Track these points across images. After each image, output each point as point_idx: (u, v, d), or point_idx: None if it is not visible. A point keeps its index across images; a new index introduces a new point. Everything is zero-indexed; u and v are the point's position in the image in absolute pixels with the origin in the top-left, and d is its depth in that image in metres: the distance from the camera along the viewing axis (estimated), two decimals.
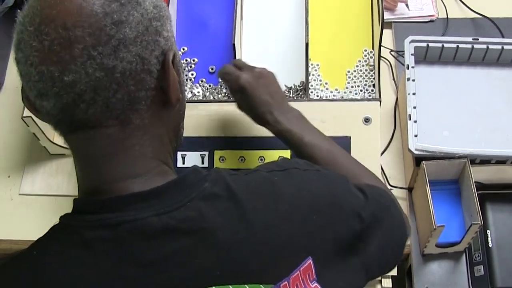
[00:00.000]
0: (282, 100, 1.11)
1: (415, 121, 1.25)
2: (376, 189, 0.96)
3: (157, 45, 0.74)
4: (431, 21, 1.56)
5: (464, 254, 1.28)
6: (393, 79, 1.50)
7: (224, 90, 1.33)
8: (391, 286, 1.21)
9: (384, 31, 1.28)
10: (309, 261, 0.77)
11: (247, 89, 1.09)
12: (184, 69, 1.36)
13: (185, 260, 0.71)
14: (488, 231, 1.27)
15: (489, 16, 1.54)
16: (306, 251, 0.78)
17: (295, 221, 0.78)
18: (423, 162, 1.22)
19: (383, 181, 1.35)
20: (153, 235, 0.71)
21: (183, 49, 1.38)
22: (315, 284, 0.78)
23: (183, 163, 1.23)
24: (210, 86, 1.35)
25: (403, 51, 1.37)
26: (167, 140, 0.81)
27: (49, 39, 0.68)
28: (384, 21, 1.26)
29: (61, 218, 0.75)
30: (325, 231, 0.81)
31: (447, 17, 1.56)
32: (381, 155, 1.37)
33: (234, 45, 1.25)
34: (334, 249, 0.82)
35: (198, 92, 1.34)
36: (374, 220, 0.88)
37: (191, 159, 1.24)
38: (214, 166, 1.23)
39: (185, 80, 0.82)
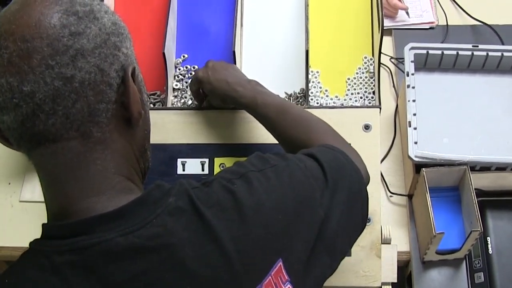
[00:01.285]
0: (237, 74, 1.18)
1: (415, 128, 1.25)
2: (328, 150, 0.96)
3: (116, 59, 0.76)
4: (431, 28, 1.57)
5: (464, 261, 1.28)
6: (393, 86, 1.50)
7: None
8: None
9: (384, 38, 1.29)
10: (280, 263, 0.78)
11: (203, 78, 1.17)
12: (184, 76, 1.36)
13: (155, 278, 0.72)
14: (488, 238, 1.27)
15: (489, 23, 1.55)
16: (275, 254, 0.79)
17: (260, 226, 0.78)
18: (423, 169, 1.22)
19: (383, 188, 1.35)
20: (120, 256, 0.71)
21: (183, 56, 1.38)
22: (288, 285, 0.79)
23: (183, 170, 1.23)
24: None
25: (403, 58, 1.37)
26: (132, 158, 0.81)
27: (8, 52, 0.70)
28: (384, 28, 1.26)
29: (31, 243, 0.76)
30: (292, 229, 0.81)
31: (447, 24, 1.57)
32: (381, 162, 1.38)
33: (234, 52, 1.25)
34: (303, 243, 0.82)
35: None
36: (332, 195, 0.88)
37: (191, 166, 1.24)
38: (215, 173, 1.22)
39: (147, 99, 0.84)
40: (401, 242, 1.32)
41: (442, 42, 1.53)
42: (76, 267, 0.71)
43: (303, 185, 0.85)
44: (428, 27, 1.57)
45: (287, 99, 1.13)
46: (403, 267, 1.35)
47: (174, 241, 0.73)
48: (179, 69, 1.37)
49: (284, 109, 1.10)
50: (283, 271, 0.78)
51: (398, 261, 1.23)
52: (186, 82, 1.36)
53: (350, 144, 1.08)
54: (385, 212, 1.34)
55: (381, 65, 1.37)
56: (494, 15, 1.56)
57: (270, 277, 0.77)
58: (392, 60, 1.51)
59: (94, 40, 0.73)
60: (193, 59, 1.39)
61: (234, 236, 0.76)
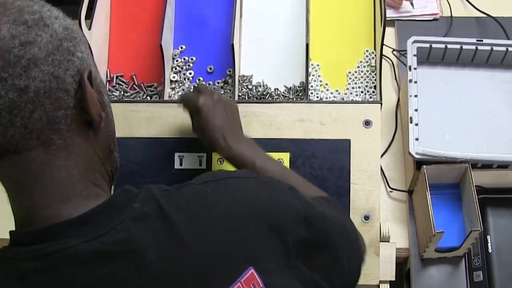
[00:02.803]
0: (237, 127, 1.12)
1: (416, 124, 1.23)
2: (332, 207, 0.95)
3: (71, 64, 0.74)
4: (435, 19, 1.54)
5: (463, 259, 1.27)
6: (395, 78, 1.48)
7: (222, 92, 1.31)
8: None
9: (387, 29, 1.26)
10: (251, 270, 0.76)
11: (203, 111, 1.09)
12: (182, 68, 1.34)
13: (119, 283, 0.71)
14: (488, 236, 1.25)
15: (494, 15, 1.52)
16: (246, 261, 0.76)
17: (229, 230, 0.76)
18: (424, 166, 1.21)
19: (382, 184, 1.34)
20: (84, 262, 0.71)
21: (181, 48, 1.36)
22: None
23: (181, 165, 1.21)
24: (208, 85, 1.33)
25: (406, 50, 1.35)
26: (97, 162, 0.80)
27: None
28: (387, 19, 1.24)
29: None
30: (268, 238, 0.79)
31: (451, 16, 1.54)
32: (382, 156, 1.36)
33: (232, 45, 1.23)
34: (281, 256, 0.80)
35: None
36: (326, 230, 0.87)
37: (189, 160, 1.22)
38: (213, 168, 1.21)
39: (108, 101, 0.83)
40: (400, 238, 1.31)
41: (446, 34, 1.50)
42: (40, 273, 0.71)
43: (285, 200, 0.84)
44: (432, 18, 1.54)
45: (284, 167, 1.10)
46: (402, 264, 1.34)
47: (138, 246, 0.72)
48: (177, 61, 1.35)
49: (284, 178, 1.02)
50: (257, 278, 0.76)
51: (396, 257, 1.22)
52: (184, 74, 1.33)
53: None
54: (384, 208, 1.33)
55: (383, 57, 1.34)
56: (500, 7, 1.53)
57: (239, 284, 0.75)
58: (394, 52, 1.49)
59: (46, 48, 0.72)
60: (190, 51, 1.37)
61: (201, 238, 0.74)
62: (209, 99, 1.10)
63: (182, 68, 1.34)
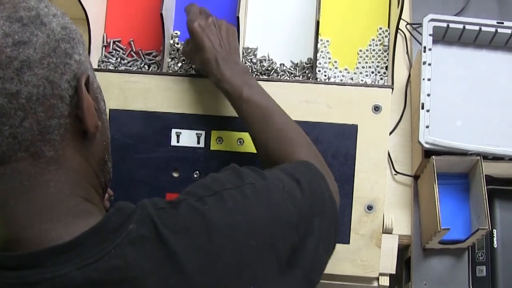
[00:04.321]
0: (231, 52, 1.09)
1: (428, 111, 1.17)
2: (308, 171, 0.90)
3: (68, 68, 0.68)
4: None
5: (467, 251, 1.23)
6: (407, 53, 1.40)
7: None
8: (388, 284, 1.15)
9: None
10: None
11: (196, 33, 1.07)
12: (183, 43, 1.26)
13: None
14: (494, 230, 1.21)
15: None
16: (247, 283, 0.72)
17: (231, 254, 0.71)
18: (433, 157, 1.15)
19: (388, 172, 1.28)
20: None
21: (176, 33, 1.28)
22: None
23: (178, 142, 1.16)
24: None
25: (420, 24, 1.27)
26: (90, 174, 0.74)
27: None
28: None
29: None
30: (265, 253, 0.74)
31: None
32: (389, 134, 1.29)
33: (238, 18, 1.15)
34: (276, 268, 0.75)
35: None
36: (309, 220, 0.82)
37: (186, 138, 1.16)
38: (211, 148, 1.15)
39: (105, 107, 0.76)
40: (402, 225, 1.27)
41: (463, 9, 1.41)
42: None
43: (281, 208, 0.78)
44: None
45: (273, 100, 1.03)
46: (402, 250, 1.30)
47: (135, 274, 0.66)
48: (177, 44, 1.27)
49: (268, 113, 1.00)
50: None
51: (398, 244, 1.18)
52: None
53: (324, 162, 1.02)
54: (388, 191, 1.28)
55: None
56: None
57: None
58: (408, 26, 1.40)
59: (41, 49, 0.66)
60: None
61: (202, 265, 0.69)
62: (204, 21, 1.08)
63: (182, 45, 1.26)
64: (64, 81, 0.68)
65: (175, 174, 1.16)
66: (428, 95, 1.18)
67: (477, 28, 1.24)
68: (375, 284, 1.16)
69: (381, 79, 1.23)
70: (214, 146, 1.16)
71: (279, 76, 1.23)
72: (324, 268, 0.87)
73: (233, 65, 1.06)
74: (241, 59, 1.22)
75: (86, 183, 0.73)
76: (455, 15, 1.39)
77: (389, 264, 1.17)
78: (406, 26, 1.40)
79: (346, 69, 1.24)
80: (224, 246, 0.71)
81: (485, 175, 1.16)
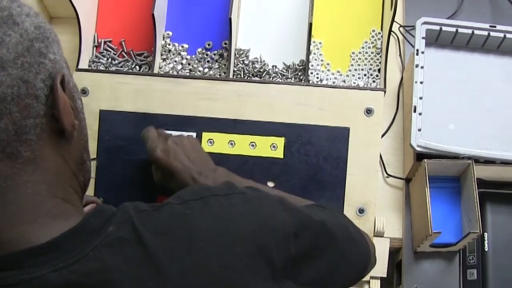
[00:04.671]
0: (204, 162, 1.06)
1: (420, 114, 1.16)
2: (327, 213, 0.89)
3: (43, 68, 0.67)
4: None
5: (458, 255, 1.22)
6: (400, 55, 1.40)
7: (216, 66, 1.23)
8: (379, 287, 1.15)
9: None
10: None
11: (161, 160, 1.03)
12: (175, 45, 1.25)
13: None
14: (485, 233, 1.20)
15: None
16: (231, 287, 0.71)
17: (215, 258, 0.69)
18: (425, 160, 1.15)
19: (380, 175, 1.28)
20: None
21: (168, 34, 1.28)
22: None
23: None
24: (207, 54, 1.25)
25: (413, 26, 1.27)
26: (69, 175, 0.73)
27: None
28: None
29: None
30: (254, 261, 0.72)
31: None
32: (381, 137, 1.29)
33: (230, 19, 1.14)
34: (268, 277, 0.74)
35: (189, 64, 1.24)
36: (317, 241, 0.81)
37: None
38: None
39: (82, 106, 0.75)
40: (393, 228, 1.26)
41: (456, 12, 1.41)
42: None
43: (272, 217, 0.76)
44: None
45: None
46: (394, 253, 1.29)
47: (112, 277, 0.65)
48: (169, 45, 1.26)
49: None
50: None
51: (389, 247, 1.18)
52: (175, 47, 1.25)
53: None
54: (380, 194, 1.27)
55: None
56: None
57: None
58: (400, 29, 1.40)
59: (15, 49, 0.64)
60: (187, 26, 1.27)
61: (182, 269, 0.67)
62: (164, 145, 1.05)
63: (175, 46, 1.26)
64: (39, 80, 0.67)
65: None
66: (421, 98, 1.17)
67: (469, 31, 1.24)
68: (366, 287, 1.16)
69: (374, 81, 1.22)
70: (205, 148, 1.15)
71: (271, 78, 1.22)
72: None
73: (211, 173, 1.03)
74: (232, 61, 1.22)
75: (65, 184, 0.72)
76: (448, 18, 1.39)
77: (381, 268, 1.16)
78: (399, 29, 1.40)
79: (338, 72, 1.24)
80: (205, 250, 0.69)
81: (476, 178, 1.16)
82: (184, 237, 0.69)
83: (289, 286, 0.77)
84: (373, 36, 1.25)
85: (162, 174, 1.06)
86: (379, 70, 1.23)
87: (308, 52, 1.20)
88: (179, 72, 1.22)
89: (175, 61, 1.23)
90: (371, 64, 1.24)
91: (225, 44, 1.23)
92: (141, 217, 0.69)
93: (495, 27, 1.23)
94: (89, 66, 1.24)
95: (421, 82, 1.19)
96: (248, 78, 1.22)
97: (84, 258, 0.65)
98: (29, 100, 0.65)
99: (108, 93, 1.16)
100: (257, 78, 1.22)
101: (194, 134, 1.15)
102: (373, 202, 1.13)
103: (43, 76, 0.67)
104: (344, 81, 1.23)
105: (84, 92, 1.16)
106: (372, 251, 0.95)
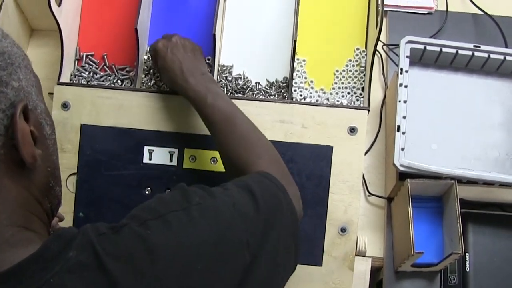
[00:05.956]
0: (197, 64, 1.10)
1: (403, 133, 1.16)
2: (267, 182, 0.87)
3: (3, 97, 0.65)
4: (429, 13, 1.45)
5: (439, 275, 1.22)
6: (383, 73, 1.40)
7: None
8: None
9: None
10: None
11: (160, 51, 1.11)
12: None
13: None
14: (467, 254, 1.20)
15: (491, 13, 1.43)
16: None
17: (175, 278, 0.68)
18: (408, 180, 1.14)
19: (362, 195, 1.27)
20: None
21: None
22: None
23: (150, 159, 1.14)
24: None
25: (396, 45, 1.27)
26: (31, 203, 0.71)
27: None
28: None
29: None
30: (214, 276, 0.71)
31: (447, 10, 1.45)
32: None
33: (214, 35, 1.13)
34: (230, 284, 0.73)
35: None
36: (263, 237, 0.79)
37: (159, 155, 1.14)
38: (184, 166, 1.13)
39: (50, 132, 0.73)
40: (375, 247, 1.25)
41: (439, 30, 1.41)
42: None
43: (230, 227, 0.75)
44: (426, 12, 1.45)
45: (237, 108, 1.04)
46: (374, 272, 1.28)
47: None
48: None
49: (232, 119, 1.00)
50: None
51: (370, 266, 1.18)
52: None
53: (288, 173, 1.00)
54: (361, 213, 1.27)
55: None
56: (498, 6, 1.44)
57: None
58: (384, 47, 1.40)
59: None
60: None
61: None
62: (166, 40, 1.12)
63: None
64: None
65: (147, 192, 1.14)
66: (404, 117, 1.17)
67: (454, 51, 1.24)
68: None
69: (357, 100, 1.22)
70: (187, 164, 1.14)
71: (254, 95, 1.22)
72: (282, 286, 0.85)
73: (198, 74, 1.07)
74: (215, 76, 1.21)
75: (26, 212, 0.70)
76: (431, 36, 1.39)
77: (361, 287, 1.15)
78: (382, 47, 1.40)
79: (322, 89, 1.23)
80: (167, 271, 0.68)
81: (459, 198, 1.15)
82: (144, 259, 0.67)
83: None
84: (357, 55, 1.24)
85: (159, 66, 1.12)
86: (362, 88, 1.23)
87: (292, 69, 1.19)
88: (162, 87, 1.20)
89: (158, 76, 1.21)
90: (354, 83, 1.23)
91: (208, 60, 1.22)
92: (101, 241, 0.68)
93: (479, 47, 1.23)
94: (70, 80, 1.22)
95: (405, 101, 1.18)
96: (231, 94, 1.21)
97: (45, 285, 0.63)
98: None
99: (89, 107, 1.15)
100: (240, 95, 1.21)
101: (176, 151, 1.14)
102: (355, 222, 1.13)
103: (3, 106, 0.65)
104: (328, 99, 1.22)
105: (65, 106, 1.15)
106: (299, 210, 0.94)
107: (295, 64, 1.24)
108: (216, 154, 1.13)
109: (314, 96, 1.23)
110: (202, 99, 1.02)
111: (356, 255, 1.13)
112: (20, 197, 0.69)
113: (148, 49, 1.14)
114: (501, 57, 1.23)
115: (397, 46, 1.26)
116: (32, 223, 0.71)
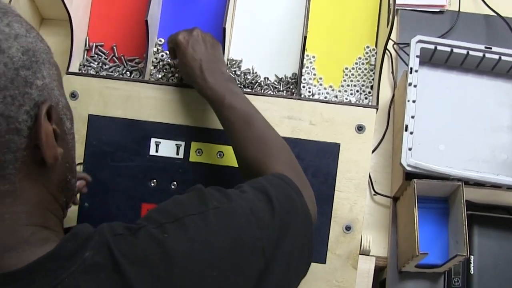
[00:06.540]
0: (217, 62, 1.08)
1: (411, 133, 1.15)
2: (282, 184, 0.87)
3: (27, 98, 0.64)
4: (441, 11, 1.44)
5: (443, 276, 1.21)
6: (392, 72, 1.39)
7: None
8: None
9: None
10: None
11: (181, 44, 1.08)
12: (167, 52, 1.23)
13: None
14: (471, 256, 1.20)
15: (504, 15, 1.42)
16: None
17: (191, 284, 0.68)
18: (415, 180, 1.14)
19: (368, 194, 1.27)
20: None
21: (160, 41, 1.26)
22: None
23: (157, 152, 1.13)
24: None
25: (406, 44, 1.26)
26: (49, 200, 0.71)
27: None
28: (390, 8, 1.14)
29: None
30: (229, 283, 0.71)
31: (459, 10, 1.44)
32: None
33: (224, 29, 1.13)
34: None
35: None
36: (278, 242, 0.78)
37: (166, 148, 1.14)
38: (190, 159, 1.13)
39: (70, 126, 0.72)
40: (379, 246, 1.25)
41: (450, 30, 1.40)
42: None
43: (246, 233, 0.75)
44: (438, 10, 1.44)
45: (255, 108, 1.03)
46: (378, 271, 1.28)
47: None
48: (161, 41, 1.25)
49: (249, 120, 0.99)
50: None
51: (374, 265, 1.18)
52: (166, 54, 1.23)
53: (305, 176, 0.99)
54: (367, 212, 1.26)
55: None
56: (511, 7, 1.43)
57: None
58: (394, 46, 1.39)
59: None
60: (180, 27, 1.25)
61: None
62: (188, 35, 1.09)
63: (166, 53, 1.24)
64: (22, 112, 0.63)
65: (152, 184, 1.14)
66: (412, 117, 1.16)
67: (464, 52, 1.23)
68: None
69: (366, 98, 1.21)
70: (193, 158, 1.14)
71: (262, 90, 1.21)
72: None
73: (217, 73, 1.05)
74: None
75: (44, 210, 0.70)
76: (441, 36, 1.38)
77: (365, 286, 1.15)
78: (392, 46, 1.39)
79: (331, 86, 1.23)
80: (183, 277, 0.68)
81: (466, 200, 1.15)
82: (160, 263, 0.67)
83: None
84: (367, 53, 1.24)
85: (179, 60, 1.10)
86: (371, 86, 1.22)
87: (301, 65, 1.18)
88: (170, 79, 1.20)
89: (166, 69, 1.21)
90: (364, 81, 1.23)
91: None
92: (117, 242, 0.67)
93: (490, 48, 1.22)
94: (79, 69, 1.22)
95: (414, 101, 1.18)
96: (240, 88, 1.21)
97: (60, 284, 0.63)
98: (10, 135, 0.63)
99: (97, 97, 1.15)
100: (248, 90, 1.21)
101: (183, 144, 1.14)
102: (360, 220, 1.12)
103: (28, 107, 0.64)
104: (336, 97, 1.22)
105: (74, 95, 1.15)
106: (314, 214, 0.93)
107: (305, 60, 1.23)
108: (223, 148, 1.13)
109: (322, 93, 1.22)
110: (219, 99, 1.01)
111: (360, 254, 1.13)
112: (39, 196, 0.69)
113: (167, 40, 1.13)
114: None
115: (407, 45, 1.26)
116: (49, 221, 0.71)
